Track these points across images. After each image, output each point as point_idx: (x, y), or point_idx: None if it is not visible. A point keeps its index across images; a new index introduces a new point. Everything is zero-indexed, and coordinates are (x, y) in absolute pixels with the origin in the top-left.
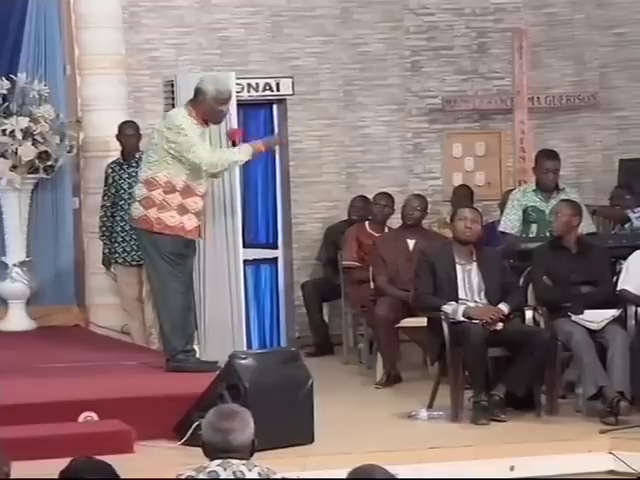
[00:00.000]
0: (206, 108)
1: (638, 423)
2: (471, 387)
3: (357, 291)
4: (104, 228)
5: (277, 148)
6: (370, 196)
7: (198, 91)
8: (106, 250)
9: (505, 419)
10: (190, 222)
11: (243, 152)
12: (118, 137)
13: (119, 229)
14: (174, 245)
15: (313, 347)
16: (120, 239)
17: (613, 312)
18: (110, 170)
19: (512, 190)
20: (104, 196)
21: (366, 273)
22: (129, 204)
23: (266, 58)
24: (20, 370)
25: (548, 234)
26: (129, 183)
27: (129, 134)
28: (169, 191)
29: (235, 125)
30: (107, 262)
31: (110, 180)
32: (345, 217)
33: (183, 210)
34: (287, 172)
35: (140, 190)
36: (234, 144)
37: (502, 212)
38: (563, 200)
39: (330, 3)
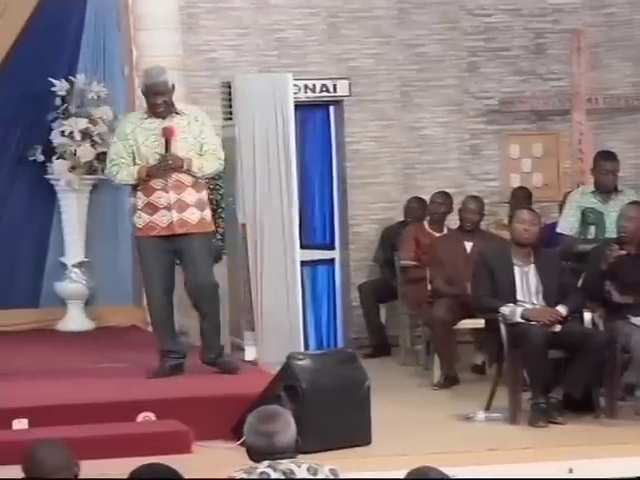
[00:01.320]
0: (146, 101)
1: None
2: (530, 389)
3: (414, 290)
4: None
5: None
6: (427, 197)
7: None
8: None
9: (563, 421)
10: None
11: (130, 174)
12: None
13: None
14: (144, 247)
15: (370, 348)
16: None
17: None
18: None
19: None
20: None
21: (423, 272)
22: None
23: (323, 59)
24: (78, 370)
25: (609, 235)
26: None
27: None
28: (204, 188)
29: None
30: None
31: None
32: (402, 218)
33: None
34: (344, 173)
35: (190, 195)
36: (167, 143)
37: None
38: (632, 203)
39: (387, 4)
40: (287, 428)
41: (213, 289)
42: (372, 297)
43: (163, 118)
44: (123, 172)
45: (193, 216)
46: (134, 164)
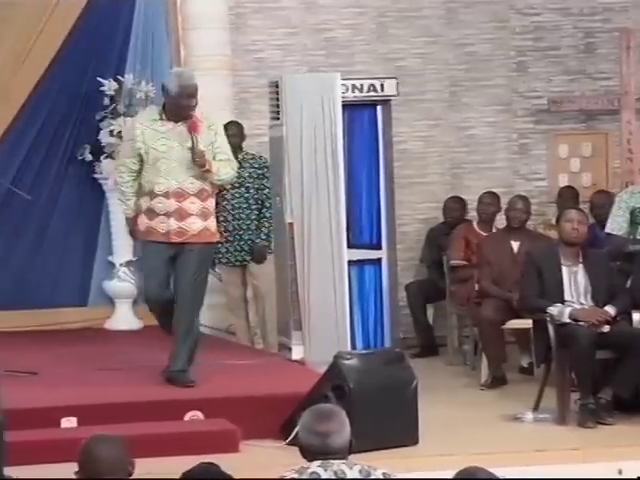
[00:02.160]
0: (169, 104)
1: None
2: (578, 389)
3: (462, 290)
4: None
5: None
6: (474, 197)
7: (163, 87)
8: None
9: (612, 422)
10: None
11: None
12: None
13: (222, 229)
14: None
15: (417, 348)
16: (224, 240)
17: None
18: None
19: (603, 191)
20: None
21: (471, 272)
22: (232, 204)
23: (371, 59)
24: (127, 369)
25: None
26: (232, 184)
27: (230, 134)
28: (210, 197)
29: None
30: (212, 262)
31: None
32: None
33: (150, 213)
34: (391, 173)
35: (193, 204)
36: (191, 134)
37: (593, 214)
38: None
39: (436, 3)
40: (343, 429)
41: (191, 301)
42: (419, 297)
43: (176, 122)
44: (129, 193)
45: (194, 225)
46: (140, 167)
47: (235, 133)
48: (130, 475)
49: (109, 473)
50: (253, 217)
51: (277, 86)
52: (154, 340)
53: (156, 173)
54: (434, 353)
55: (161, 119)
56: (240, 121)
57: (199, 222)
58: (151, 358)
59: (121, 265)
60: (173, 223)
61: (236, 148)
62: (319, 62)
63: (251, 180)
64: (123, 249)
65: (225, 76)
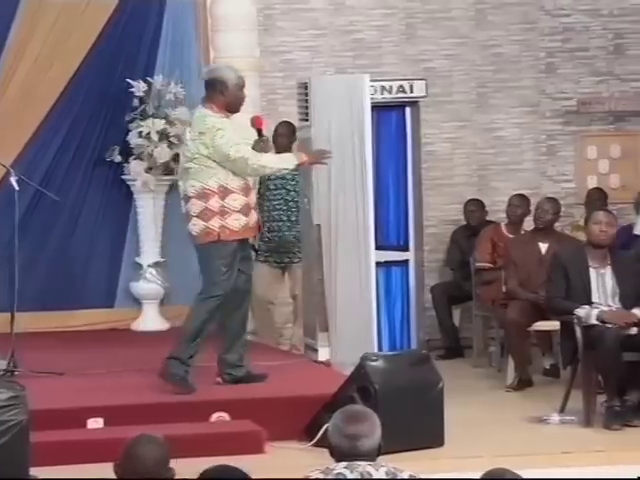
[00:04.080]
0: (229, 98)
1: None
2: (604, 391)
3: (488, 292)
4: None
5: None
6: (502, 199)
7: (216, 82)
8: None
9: (639, 424)
10: (253, 218)
11: (287, 161)
12: (273, 136)
13: (266, 228)
14: (234, 252)
15: (443, 350)
16: (266, 238)
17: None
18: None
19: None
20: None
21: (497, 274)
22: (274, 204)
23: (399, 60)
24: (153, 370)
25: None
26: (275, 184)
27: (280, 132)
28: (225, 195)
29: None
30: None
31: (259, 179)
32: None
33: (247, 209)
34: (419, 174)
35: (194, 205)
36: (259, 132)
37: (638, 212)
38: None
39: (464, 5)
40: (373, 431)
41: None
42: (444, 299)
43: (227, 117)
44: (272, 160)
45: (195, 227)
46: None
47: (283, 132)
48: (173, 476)
49: (147, 474)
50: (293, 219)
51: (306, 87)
52: None
53: (244, 170)
54: (459, 355)
55: (226, 116)
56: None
57: (200, 223)
58: None
59: (148, 266)
60: (187, 225)
61: (284, 148)
62: (347, 63)
63: (293, 182)
64: (150, 250)
65: (253, 77)
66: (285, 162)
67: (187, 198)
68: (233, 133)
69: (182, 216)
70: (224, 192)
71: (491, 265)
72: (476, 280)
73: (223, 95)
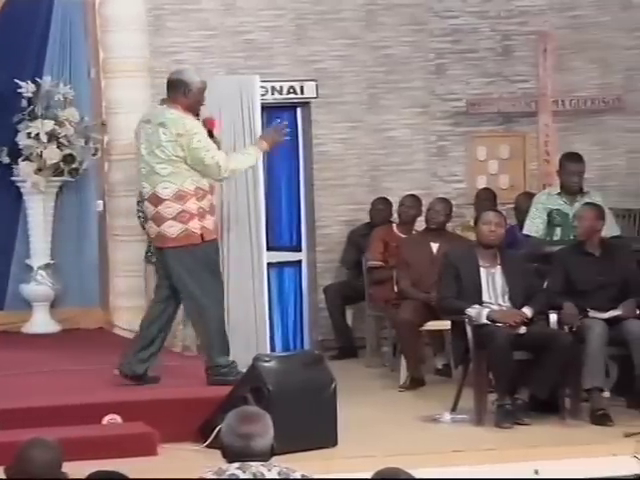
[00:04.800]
0: (191, 100)
1: None
2: (495, 390)
3: (380, 292)
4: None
5: (301, 149)
6: (393, 199)
7: (181, 84)
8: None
9: (529, 422)
10: (215, 220)
11: (252, 156)
12: None
13: None
14: (216, 251)
15: (337, 350)
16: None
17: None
18: None
19: (528, 193)
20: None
21: (389, 273)
22: None
23: (290, 61)
24: (44, 373)
25: (572, 237)
26: None
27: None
28: (201, 197)
29: (207, 114)
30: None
31: None
32: (368, 220)
33: (213, 209)
34: (311, 175)
35: (168, 207)
36: (210, 133)
37: (516, 216)
38: (586, 204)
39: (355, 6)
40: (266, 432)
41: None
42: (338, 299)
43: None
44: (241, 159)
45: (171, 229)
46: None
47: None
48: None
49: (38, 477)
50: None
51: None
52: (71, 344)
53: (215, 173)
54: (353, 355)
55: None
56: None
57: (178, 225)
58: (69, 361)
59: (39, 268)
60: (154, 228)
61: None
62: (238, 64)
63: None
64: (40, 252)
65: (144, 78)
66: (250, 159)
67: (158, 200)
68: (207, 138)
69: (73, 218)
70: (200, 194)
71: (382, 264)
72: (368, 280)
73: (186, 97)
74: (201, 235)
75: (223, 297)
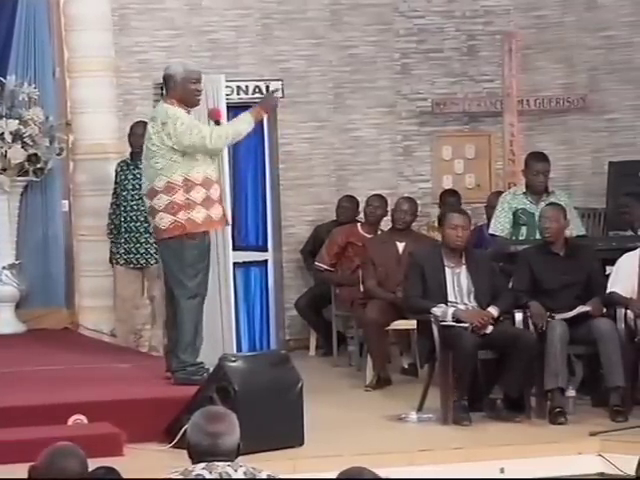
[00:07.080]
0: (179, 91)
1: (627, 425)
2: (455, 389)
3: (347, 292)
4: (112, 226)
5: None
6: (360, 198)
7: (168, 79)
8: (113, 249)
9: (509, 418)
10: (217, 212)
11: (244, 121)
12: (129, 136)
13: (123, 229)
14: (200, 246)
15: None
16: (123, 240)
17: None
18: (119, 169)
19: (500, 192)
20: (113, 194)
21: (336, 277)
22: (132, 205)
23: (256, 61)
24: (9, 373)
25: (539, 237)
26: (133, 184)
27: (138, 134)
28: (189, 188)
29: (212, 105)
30: (113, 261)
31: (117, 179)
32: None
33: (209, 203)
34: (277, 174)
35: (160, 199)
36: (217, 123)
37: (488, 214)
38: (550, 204)
39: (320, 6)
40: (233, 430)
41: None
42: (310, 312)
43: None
44: (229, 126)
45: (162, 221)
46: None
47: (139, 132)
48: None
49: None
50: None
51: (162, 88)
52: (37, 344)
53: (210, 161)
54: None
55: (187, 111)
56: (124, 123)
57: (168, 217)
58: (34, 362)
59: (4, 268)
60: (151, 221)
61: (139, 148)
62: (204, 64)
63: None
64: (5, 252)
65: (109, 78)
66: (243, 125)
67: (154, 193)
68: (192, 121)
69: (38, 218)
70: (188, 185)
71: (328, 267)
72: (315, 279)
73: (174, 90)
74: (185, 226)
75: (203, 294)
